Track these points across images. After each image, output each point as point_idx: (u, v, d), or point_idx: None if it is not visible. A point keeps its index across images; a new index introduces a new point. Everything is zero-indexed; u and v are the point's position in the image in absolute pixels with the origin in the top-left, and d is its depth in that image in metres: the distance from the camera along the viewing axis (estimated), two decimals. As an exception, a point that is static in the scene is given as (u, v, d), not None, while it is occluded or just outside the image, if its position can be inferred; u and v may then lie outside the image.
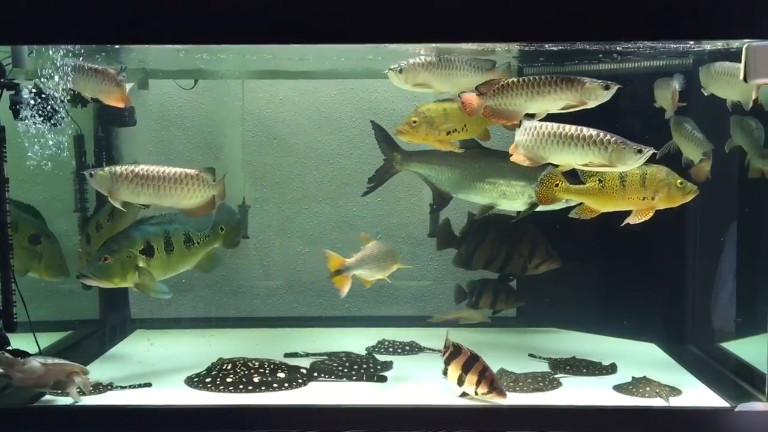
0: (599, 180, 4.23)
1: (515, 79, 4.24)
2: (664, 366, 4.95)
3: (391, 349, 5.28)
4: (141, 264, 4.55)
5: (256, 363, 4.61)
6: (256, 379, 4.47)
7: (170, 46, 4.50)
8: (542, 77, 4.19)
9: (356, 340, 5.39)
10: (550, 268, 5.44)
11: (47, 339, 4.93)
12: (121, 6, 3.74)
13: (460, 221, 5.58)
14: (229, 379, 4.46)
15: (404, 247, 5.96)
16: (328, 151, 6.10)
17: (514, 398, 4.27)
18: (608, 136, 4.07)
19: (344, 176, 6.10)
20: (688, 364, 4.97)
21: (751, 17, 3.71)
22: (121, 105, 4.51)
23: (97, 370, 4.83)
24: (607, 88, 4.16)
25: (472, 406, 4.16)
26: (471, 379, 4.19)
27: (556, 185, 4.32)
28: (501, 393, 4.15)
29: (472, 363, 4.22)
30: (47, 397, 4.25)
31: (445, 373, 4.35)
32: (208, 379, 4.48)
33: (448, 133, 4.75)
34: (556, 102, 4.20)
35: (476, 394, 4.18)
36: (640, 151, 4.06)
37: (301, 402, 4.27)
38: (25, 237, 5.04)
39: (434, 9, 3.74)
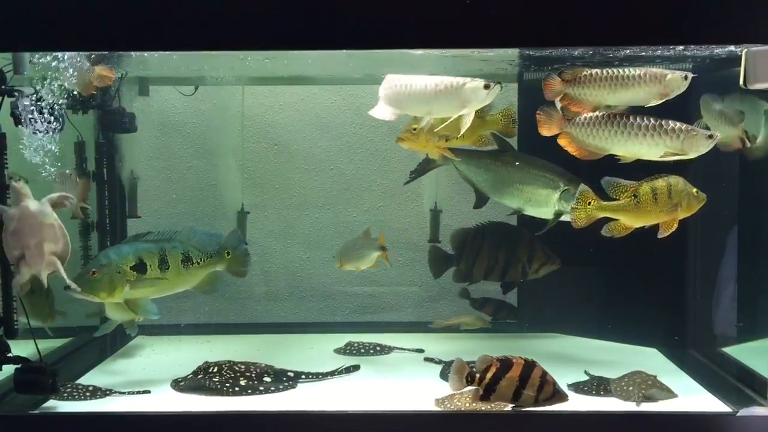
0: (634, 195, 4.15)
1: (600, 70, 4.11)
2: (666, 371, 4.93)
3: (362, 351, 5.28)
4: (131, 280, 4.41)
5: (242, 366, 4.60)
6: (242, 383, 4.47)
7: (170, 52, 4.51)
8: (626, 69, 4.08)
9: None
10: (550, 270, 5.41)
11: (48, 345, 4.93)
12: (122, 13, 3.74)
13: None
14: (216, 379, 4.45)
15: (404, 252, 5.97)
16: (328, 157, 6.10)
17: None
18: (678, 124, 3.99)
19: (344, 182, 6.10)
20: (690, 369, 4.96)
21: (750, 21, 3.70)
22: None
23: (98, 377, 4.84)
24: (685, 78, 4.04)
25: (454, 412, 4.06)
26: (531, 388, 3.88)
27: (589, 203, 4.19)
28: (564, 395, 3.97)
29: (530, 371, 3.90)
30: (49, 403, 4.25)
31: (487, 397, 3.91)
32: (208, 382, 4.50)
33: (446, 140, 4.76)
34: (638, 95, 4.07)
35: (536, 401, 3.90)
36: (710, 137, 4.01)
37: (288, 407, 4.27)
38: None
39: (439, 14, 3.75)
